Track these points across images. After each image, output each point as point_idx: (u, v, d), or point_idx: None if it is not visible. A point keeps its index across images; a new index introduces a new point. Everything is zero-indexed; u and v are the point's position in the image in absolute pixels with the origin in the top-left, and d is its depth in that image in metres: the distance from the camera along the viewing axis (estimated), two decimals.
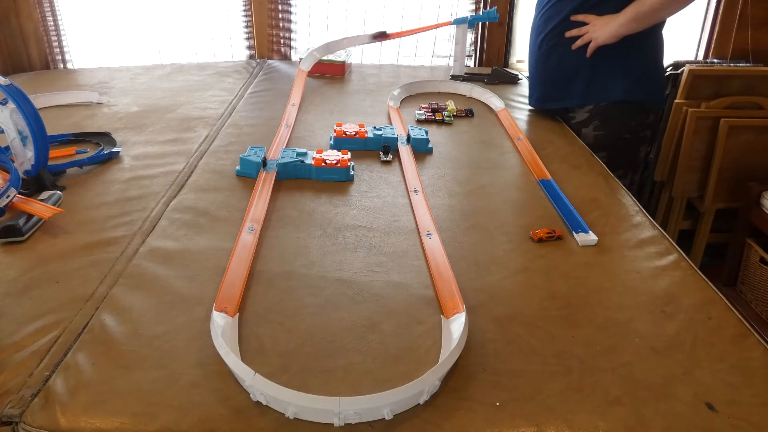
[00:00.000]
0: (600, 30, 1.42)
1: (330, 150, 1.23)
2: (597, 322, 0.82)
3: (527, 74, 2.02)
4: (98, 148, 1.31)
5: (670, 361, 0.75)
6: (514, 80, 1.94)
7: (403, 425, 0.64)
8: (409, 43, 2.20)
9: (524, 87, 1.89)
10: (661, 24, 1.46)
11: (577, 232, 1.02)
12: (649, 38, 1.45)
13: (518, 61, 2.25)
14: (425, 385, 0.66)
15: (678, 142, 2.00)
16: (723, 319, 0.83)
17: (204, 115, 1.55)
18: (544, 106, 1.64)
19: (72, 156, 1.29)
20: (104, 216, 1.04)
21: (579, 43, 1.46)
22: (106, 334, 0.76)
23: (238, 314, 0.79)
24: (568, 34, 1.48)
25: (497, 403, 0.67)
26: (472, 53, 2.24)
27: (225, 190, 1.15)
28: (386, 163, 1.30)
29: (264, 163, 1.20)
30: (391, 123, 1.52)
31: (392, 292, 0.86)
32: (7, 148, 1.12)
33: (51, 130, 1.20)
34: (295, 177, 1.21)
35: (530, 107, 1.69)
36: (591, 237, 1.01)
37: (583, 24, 1.45)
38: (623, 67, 1.45)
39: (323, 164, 1.19)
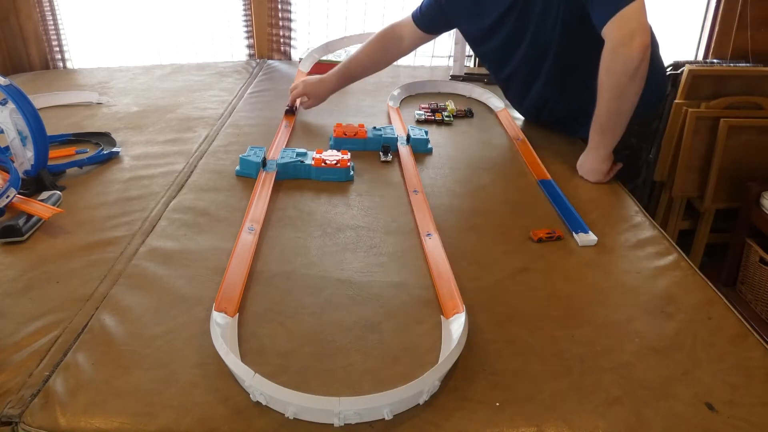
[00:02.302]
0: (589, 173, 1.24)
1: (330, 150, 1.23)
2: (597, 322, 0.82)
3: None
4: (98, 148, 1.31)
5: (670, 361, 0.75)
6: None
7: (403, 425, 0.64)
8: None
9: None
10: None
11: (577, 232, 1.02)
12: None
13: None
14: (425, 385, 0.66)
15: (678, 142, 2.00)
16: (723, 319, 0.83)
17: (204, 115, 1.55)
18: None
19: (72, 156, 1.29)
20: (104, 216, 1.04)
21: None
22: (106, 334, 0.76)
23: (238, 314, 0.79)
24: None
25: (497, 403, 0.67)
26: (472, 53, 2.23)
27: (225, 190, 1.15)
28: (386, 163, 1.30)
29: (264, 163, 1.20)
30: (390, 123, 1.52)
31: (392, 292, 0.86)
32: (7, 148, 1.12)
33: (51, 130, 1.20)
34: (295, 177, 1.20)
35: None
36: (591, 237, 1.01)
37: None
38: None
39: (323, 164, 1.19)
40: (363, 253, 0.95)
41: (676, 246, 1.00)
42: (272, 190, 1.13)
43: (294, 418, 0.64)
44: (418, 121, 1.56)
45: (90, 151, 1.31)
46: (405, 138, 1.37)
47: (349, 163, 1.20)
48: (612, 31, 1.09)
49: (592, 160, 1.23)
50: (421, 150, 1.36)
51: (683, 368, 0.73)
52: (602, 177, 1.22)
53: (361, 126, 1.38)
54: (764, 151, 1.96)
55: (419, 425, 0.64)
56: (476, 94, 1.78)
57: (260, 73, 1.96)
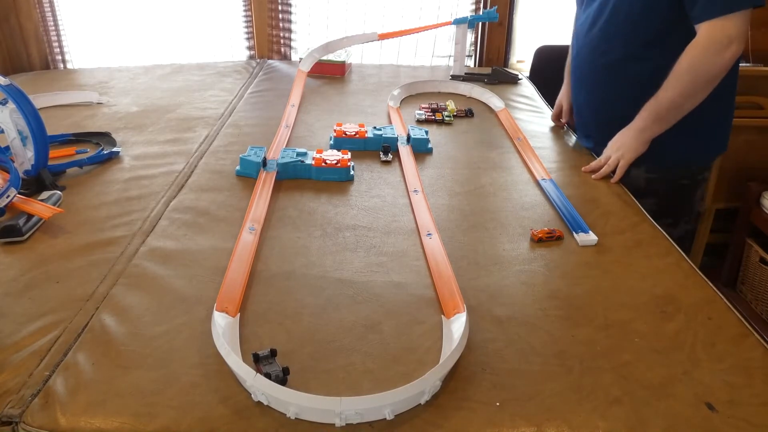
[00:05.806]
0: (623, 148, 1.21)
1: (330, 150, 1.23)
2: (597, 322, 0.82)
3: (527, 74, 2.02)
4: (98, 148, 1.31)
5: (670, 361, 0.75)
6: (514, 80, 1.93)
7: (403, 425, 0.64)
8: (409, 43, 2.20)
9: (524, 87, 1.89)
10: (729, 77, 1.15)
11: (577, 232, 1.02)
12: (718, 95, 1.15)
13: (518, 61, 2.25)
14: (426, 385, 0.66)
15: None
16: (723, 319, 0.83)
17: (204, 115, 1.55)
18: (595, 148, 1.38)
19: (72, 156, 1.29)
20: (104, 216, 1.04)
21: (604, 171, 1.23)
22: (106, 334, 0.76)
23: (239, 314, 0.79)
24: (585, 169, 1.27)
25: (497, 403, 0.67)
26: (472, 53, 2.23)
27: (225, 190, 1.15)
28: (386, 163, 1.30)
29: (264, 163, 1.20)
30: (391, 123, 1.52)
31: (392, 292, 0.86)
32: (7, 148, 1.12)
33: (51, 130, 1.20)
34: (295, 177, 1.20)
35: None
36: (591, 237, 1.01)
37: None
38: (685, 129, 1.19)
39: (323, 164, 1.19)
40: (363, 253, 0.95)
41: (676, 246, 1.00)
42: (272, 190, 1.13)
43: (295, 418, 0.64)
44: (419, 121, 1.56)
45: (90, 151, 1.31)
46: (405, 138, 1.37)
47: (349, 163, 1.20)
48: (710, 30, 1.07)
49: (633, 138, 1.20)
50: (421, 150, 1.36)
51: (683, 368, 0.73)
52: (633, 153, 1.20)
53: (361, 126, 1.38)
54: (764, 151, 1.96)
55: (419, 425, 0.64)
56: (476, 93, 1.78)
57: (260, 73, 1.96)
